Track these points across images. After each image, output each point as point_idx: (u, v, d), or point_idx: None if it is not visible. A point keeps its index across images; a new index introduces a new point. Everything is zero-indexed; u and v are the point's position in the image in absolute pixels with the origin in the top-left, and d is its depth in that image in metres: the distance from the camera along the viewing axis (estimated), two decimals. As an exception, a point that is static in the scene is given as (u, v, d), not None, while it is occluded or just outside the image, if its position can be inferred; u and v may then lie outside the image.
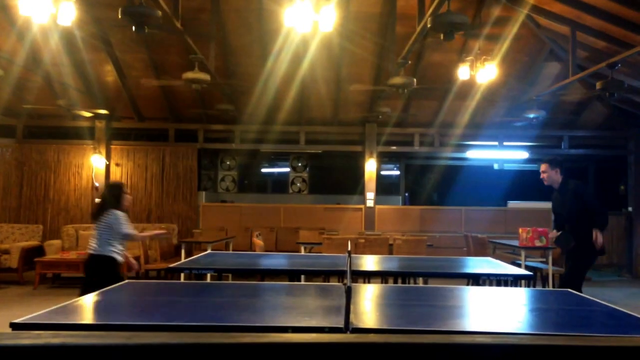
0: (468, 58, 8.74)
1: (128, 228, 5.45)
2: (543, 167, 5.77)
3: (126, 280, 4.14)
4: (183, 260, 7.62)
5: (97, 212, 5.51)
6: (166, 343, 0.97)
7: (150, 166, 12.44)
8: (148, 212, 12.31)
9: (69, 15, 5.57)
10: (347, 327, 2.35)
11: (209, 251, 7.94)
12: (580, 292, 4.24)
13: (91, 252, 5.41)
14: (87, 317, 2.93)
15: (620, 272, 12.20)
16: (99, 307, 3.04)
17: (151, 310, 3.01)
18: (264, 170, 15.46)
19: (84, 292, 5.24)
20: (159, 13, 5.50)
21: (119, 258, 5.45)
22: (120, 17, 5.40)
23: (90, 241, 5.45)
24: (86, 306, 3.01)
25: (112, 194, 5.58)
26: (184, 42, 8.11)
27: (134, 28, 5.49)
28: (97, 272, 5.35)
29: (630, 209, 12.33)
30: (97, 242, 5.38)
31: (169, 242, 9.98)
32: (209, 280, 7.79)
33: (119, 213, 5.44)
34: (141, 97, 11.84)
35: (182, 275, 7.28)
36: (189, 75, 8.18)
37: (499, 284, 6.44)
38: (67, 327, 2.44)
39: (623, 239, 12.19)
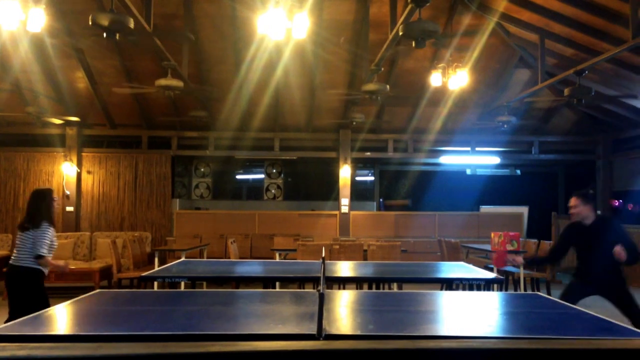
0: (440, 65, 8.85)
1: (44, 249, 5.09)
2: (574, 201, 5.18)
3: (98, 290, 4.09)
4: (156, 268, 7.54)
5: (28, 221, 5.17)
6: (133, 354, 0.97)
7: (123, 174, 12.30)
8: (121, 220, 12.16)
9: (38, 21, 5.50)
10: (320, 334, 2.35)
11: (182, 259, 7.88)
12: None
13: (14, 263, 5.11)
14: (57, 328, 2.89)
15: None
16: (69, 318, 3.00)
17: (122, 320, 2.98)
18: (238, 177, 15.39)
19: (13, 311, 4.99)
20: (130, 20, 5.46)
21: (45, 270, 5.21)
22: (91, 24, 5.35)
23: (16, 251, 5.15)
24: (56, 317, 2.97)
25: (44, 202, 5.24)
26: (156, 49, 8.06)
27: (105, 35, 5.44)
28: (21, 286, 5.10)
29: (599, 212, 12.55)
30: (21, 253, 5.11)
31: (142, 250, 9.87)
32: (182, 288, 7.72)
33: (49, 230, 5.15)
34: (113, 104, 11.71)
35: (156, 283, 7.20)
36: (162, 82, 8.12)
37: (471, 288, 6.51)
38: (36, 339, 2.40)
39: (592, 242, 12.40)
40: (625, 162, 12.15)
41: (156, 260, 8.80)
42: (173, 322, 2.89)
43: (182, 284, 7.59)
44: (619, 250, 4.65)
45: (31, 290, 5.10)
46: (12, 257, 5.15)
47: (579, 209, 5.07)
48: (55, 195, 5.38)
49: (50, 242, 5.16)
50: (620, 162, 12.30)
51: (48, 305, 4.50)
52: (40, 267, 5.13)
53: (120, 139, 12.66)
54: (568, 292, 5.20)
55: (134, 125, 12.45)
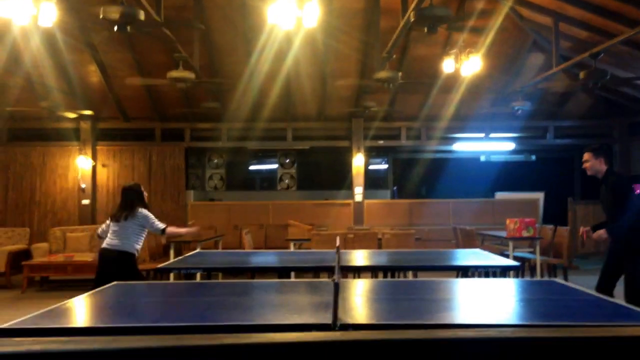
0: (452, 51, 8.76)
1: (160, 223, 5.81)
2: (586, 156, 5.19)
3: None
4: (172, 260, 7.59)
5: (124, 211, 5.79)
6: (147, 347, 0.97)
7: (137, 166, 12.37)
8: (136, 213, 12.22)
9: (50, 16, 5.51)
10: (335, 324, 2.35)
11: (198, 250, 7.92)
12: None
13: (116, 248, 5.67)
14: (74, 320, 2.91)
15: (608, 260, 12.29)
16: (86, 310, 3.02)
17: (138, 311, 3.00)
18: (251, 167, 15.41)
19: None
20: (141, 13, 5.46)
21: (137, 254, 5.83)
22: (101, 17, 5.36)
23: (113, 238, 5.70)
24: (73, 309, 2.99)
25: (137, 194, 5.95)
26: (167, 41, 8.06)
27: (115, 28, 5.45)
28: (116, 267, 5.61)
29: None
30: (123, 239, 5.68)
31: (157, 242, 9.93)
32: (198, 279, 7.77)
33: (146, 212, 5.82)
34: (126, 97, 11.76)
35: (172, 275, 7.24)
36: (174, 74, 8.13)
37: (487, 275, 6.48)
38: (53, 332, 2.42)
39: (609, 227, 12.29)
40: (642, 145, 12.00)
41: (171, 251, 8.86)
42: (189, 313, 2.91)
43: (198, 275, 7.63)
44: (597, 234, 4.69)
45: (125, 271, 5.55)
46: (107, 243, 5.72)
47: (591, 162, 5.13)
48: (144, 191, 6.09)
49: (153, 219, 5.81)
50: (637, 146, 12.14)
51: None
52: (135, 252, 5.74)
53: (133, 132, 12.72)
54: (605, 268, 5.17)
55: (147, 118, 12.50)
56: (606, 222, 5.31)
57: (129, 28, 5.49)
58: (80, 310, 3.01)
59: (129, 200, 5.87)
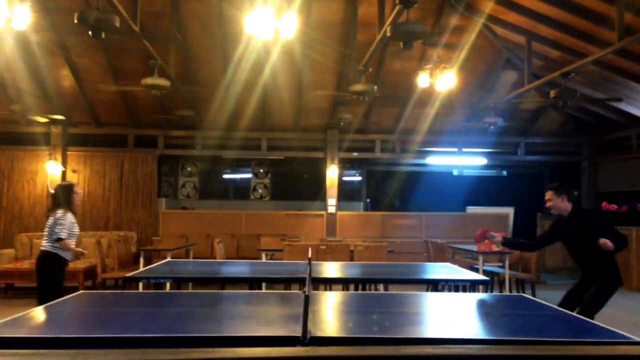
0: (428, 66, 8.86)
1: (62, 233, 5.57)
2: (548, 194, 5.21)
3: (81, 291, 4.04)
4: (141, 268, 7.49)
5: (49, 211, 5.80)
6: (112, 361, 0.96)
7: (109, 172, 12.21)
8: (106, 220, 12.07)
9: (23, 19, 5.43)
10: (305, 336, 2.34)
11: (168, 259, 7.82)
12: (593, 318, 4.07)
13: (42, 248, 5.66)
14: (38, 330, 2.85)
15: (575, 275, 12.50)
16: (51, 320, 2.96)
17: (105, 322, 2.95)
18: (225, 176, 15.33)
19: (42, 295, 5.46)
20: (116, 19, 5.41)
21: (66, 256, 5.67)
22: (76, 22, 5.30)
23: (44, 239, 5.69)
24: (38, 319, 2.93)
25: (64, 194, 5.77)
26: (143, 47, 8.00)
27: (90, 33, 5.40)
28: (46, 269, 5.58)
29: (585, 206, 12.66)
30: (46, 239, 5.65)
31: (127, 250, 9.79)
32: (168, 289, 7.68)
33: (66, 215, 5.64)
34: (99, 103, 11.62)
35: (141, 284, 7.14)
36: (149, 80, 8.07)
37: (457, 289, 6.53)
38: (17, 341, 2.37)
39: (577, 243, 12.50)
40: (610, 163, 12.26)
41: (141, 260, 8.74)
42: (157, 324, 2.87)
43: (168, 284, 7.54)
44: (603, 241, 4.66)
45: (48, 274, 5.57)
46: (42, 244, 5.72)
47: (553, 202, 5.09)
48: (77, 189, 5.91)
49: (70, 227, 5.62)
50: (605, 164, 12.41)
51: (60, 292, 4.95)
52: (58, 252, 5.57)
53: (106, 138, 12.55)
54: (568, 294, 5.22)
55: (120, 124, 12.36)
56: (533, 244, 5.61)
57: (103, 34, 5.44)
58: (45, 319, 2.95)
59: (54, 200, 5.84)
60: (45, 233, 5.70)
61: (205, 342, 2.40)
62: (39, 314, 2.99)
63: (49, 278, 5.58)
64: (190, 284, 8.10)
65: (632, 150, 11.22)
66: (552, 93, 8.46)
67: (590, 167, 12.76)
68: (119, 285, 9.04)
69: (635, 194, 11.23)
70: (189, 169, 14.72)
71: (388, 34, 6.14)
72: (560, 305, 4.97)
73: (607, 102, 9.80)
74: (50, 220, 5.63)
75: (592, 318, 4.36)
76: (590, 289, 4.95)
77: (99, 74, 10.63)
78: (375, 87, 8.54)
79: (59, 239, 5.53)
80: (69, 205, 5.73)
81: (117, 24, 5.50)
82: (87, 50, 10.06)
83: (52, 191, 5.99)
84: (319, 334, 2.49)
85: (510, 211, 13.33)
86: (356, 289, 7.21)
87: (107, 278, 8.92)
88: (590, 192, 12.66)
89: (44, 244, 5.65)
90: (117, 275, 8.71)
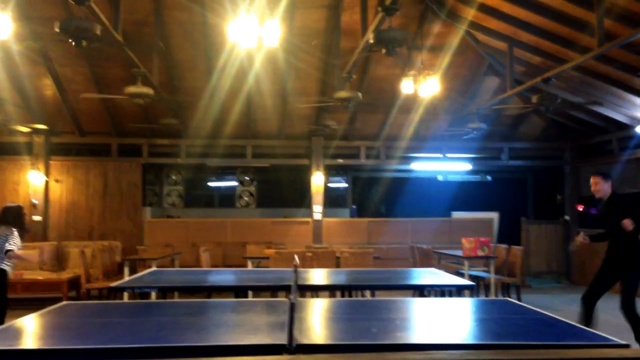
0: (411, 72, 8.92)
1: (13, 245, 5.95)
2: (596, 179, 5.51)
3: (65, 302, 4.00)
4: (126, 278, 7.42)
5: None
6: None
7: (93, 182, 12.11)
8: (90, 229, 11.96)
9: (4, 28, 5.38)
10: (291, 344, 2.33)
11: (153, 268, 7.76)
12: (635, 307, 4.24)
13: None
14: (22, 342, 2.81)
15: (559, 278, 12.62)
16: (35, 331, 2.93)
17: (89, 333, 2.92)
18: (210, 184, 15.28)
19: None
20: (97, 27, 5.38)
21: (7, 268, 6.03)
22: (57, 31, 5.26)
23: None
24: (20, 330, 2.89)
25: (12, 216, 6.14)
26: (126, 56, 7.96)
27: (72, 42, 5.36)
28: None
29: (567, 217, 12.80)
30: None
31: (112, 260, 9.71)
32: (153, 299, 7.61)
33: (15, 233, 6.02)
34: (82, 112, 11.53)
35: (126, 294, 7.08)
36: (132, 89, 8.03)
37: (443, 295, 6.55)
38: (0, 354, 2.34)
39: (561, 246, 12.62)
40: (591, 167, 12.38)
41: (126, 270, 8.67)
42: (141, 334, 2.85)
43: (153, 294, 7.47)
44: (625, 222, 4.95)
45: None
46: None
47: (600, 186, 5.51)
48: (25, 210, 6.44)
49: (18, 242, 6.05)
50: (586, 168, 12.54)
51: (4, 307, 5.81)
52: (3, 267, 5.93)
53: (89, 147, 12.45)
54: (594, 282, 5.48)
55: (103, 133, 12.27)
56: (604, 234, 5.68)
57: (85, 43, 5.41)
58: (29, 331, 2.91)
59: (4, 220, 6.11)
60: None
61: (189, 352, 2.39)
62: (20, 325, 2.95)
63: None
64: (176, 293, 8.04)
65: (613, 155, 11.36)
66: (534, 98, 8.55)
67: (573, 171, 12.89)
68: (104, 295, 8.96)
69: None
70: (173, 177, 14.65)
71: (371, 41, 6.18)
72: (585, 295, 5.38)
73: (587, 105, 9.92)
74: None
75: (634, 307, 4.81)
76: (620, 281, 5.28)
77: (82, 83, 10.55)
78: (360, 93, 8.58)
79: (9, 250, 5.88)
80: (18, 222, 6.14)
81: (99, 32, 5.47)
82: (69, 59, 9.99)
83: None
84: (305, 341, 2.49)
85: (495, 216, 13.43)
86: (342, 295, 7.20)
87: (91, 288, 8.84)
88: (573, 196, 12.78)
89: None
90: (102, 285, 8.63)
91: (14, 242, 5.95)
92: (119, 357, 2.34)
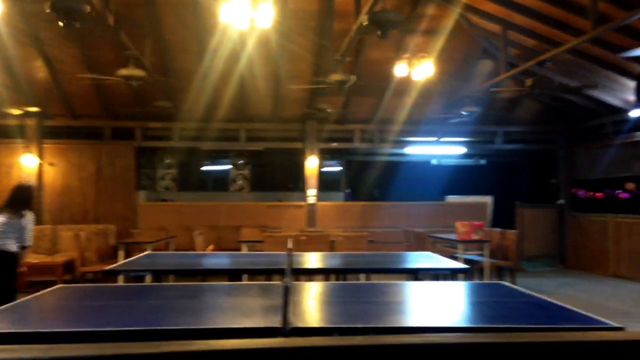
0: (405, 55, 8.87)
1: (31, 240, 5.95)
2: None
3: (60, 285, 3.98)
4: (121, 261, 7.42)
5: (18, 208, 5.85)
6: (85, 355, 0.94)
7: (86, 165, 12.05)
8: (84, 213, 11.92)
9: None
10: (285, 327, 2.34)
11: (148, 252, 7.76)
12: None
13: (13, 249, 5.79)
14: (16, 325, 2.80)
15: (553, 262, 12.71)
16: (27, 314, 2.92)
17: (84, 316, 2.91)
18: (204, 168, 15.24)
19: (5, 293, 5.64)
20: (88, 8, 5.32)
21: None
22: (48, 11, 5.19)
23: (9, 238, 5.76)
24: (16, 313, 2.88)
25: (27, 196, 6.04)
26: (118, 38, 7.88)
27: (61, 23, 5.30)
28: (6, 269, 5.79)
29: (561, 201, 12.85)
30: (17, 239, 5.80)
31: (106, 243, 9.70)
32: (148, 282, 7.61)
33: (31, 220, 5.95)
34: (74, 94, 11.43)
35: (120, 277, 7.08)
36: (124, 71, 7.97)
37: (437, 278, 6.58)
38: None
39: (555, 230, 12.69)
40: (585, 151, 12.43)
41: (120, 253, 8.66)
42: (136, 317, 2.84)
43: (148, 277, 7.46)
44: None
45: (12, 274, 5.77)
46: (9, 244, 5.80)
47: None
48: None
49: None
50: (581, 152, 12.58)
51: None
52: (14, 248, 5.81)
53: (82, 130, 12.36)
54: None
55: (96, 116, 12.19)
56: None
57: (77, 24, 5.34)
58: (21, 314, 2.90)
59: (22, 200, 5.97)
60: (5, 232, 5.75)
61: (183, 335, 2.39)
62: (15, 308, 2.94)
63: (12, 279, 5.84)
64: (170, 277, 8.04)
65: (607, 138, 11.38)
66: (528, 82, 8.54)
67: (567, 155, 12.92)
68: (99, 278, 8.96)
69: (610, 181, 11.41)
70: (167, 160, 14.60)
71: (364, 23, 6.13)
72: None
73: (582, 88, 9.91)
74: (20, 222, 5.80)
75: None
76: None
77: (73, 65, 10.44)
78: (353, 76, 8.54)
79: (28, 247, 5.87)
80: (31, 206, 6.05)
81: (90, 12, 5.40)
82: (60, 40, 9.87)
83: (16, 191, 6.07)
84: (300, 324, 2.49)
85: (489, 200, 13.46)
86: (337, 279, 7.23)
87: (86, 272, 8.84)
88: (568, 180, 12.83)
89: (13, 245, 5.76)
90: (97, 269, 8.63)
91: (31, 233, 5.87)
92: (114, 340, 2.34)
